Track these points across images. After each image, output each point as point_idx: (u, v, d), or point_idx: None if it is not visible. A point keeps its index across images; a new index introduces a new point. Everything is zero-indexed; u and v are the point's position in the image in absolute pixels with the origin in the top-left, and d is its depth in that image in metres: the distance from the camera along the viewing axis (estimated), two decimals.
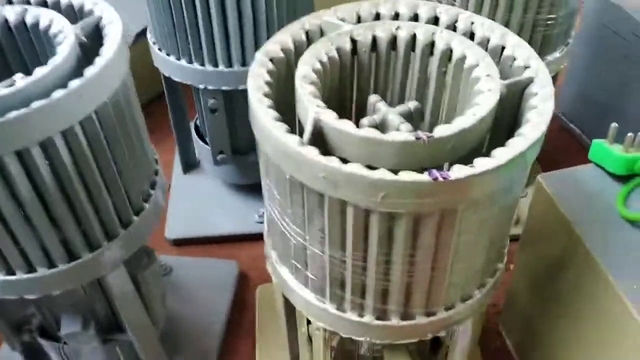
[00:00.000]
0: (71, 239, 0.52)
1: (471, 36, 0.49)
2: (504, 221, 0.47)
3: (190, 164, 1.01)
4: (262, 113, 0.42)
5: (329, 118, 0.41)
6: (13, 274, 0.53)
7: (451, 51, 0.47)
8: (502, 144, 0.42)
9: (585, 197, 0.60)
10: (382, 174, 0.38)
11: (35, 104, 0.43)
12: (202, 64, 0.77)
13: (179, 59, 0.78)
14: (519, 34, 0.58)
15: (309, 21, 0.51)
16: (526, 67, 0.46)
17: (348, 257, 0.45)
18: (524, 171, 0.43)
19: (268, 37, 0.49)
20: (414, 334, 0.50)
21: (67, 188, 0.49)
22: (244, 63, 0.76)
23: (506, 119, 0.47)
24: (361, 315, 0.49)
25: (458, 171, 0.38)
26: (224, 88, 0.77)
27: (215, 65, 0.76)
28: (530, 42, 0.60)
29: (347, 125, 0.41)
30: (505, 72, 0.47)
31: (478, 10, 0.74)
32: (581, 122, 1.05)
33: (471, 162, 0.40)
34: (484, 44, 0.48)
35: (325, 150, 0.42)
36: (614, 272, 0.54)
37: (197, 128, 0.93)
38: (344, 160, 0.40)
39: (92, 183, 0.51)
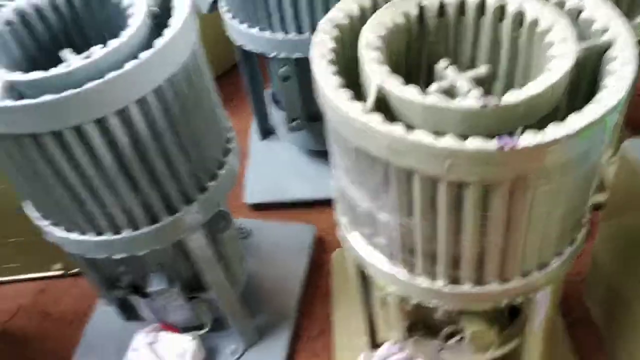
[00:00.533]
0: (152, 203, 0.55)
1: None
2: (581, 190, 0.45)
3: (267, 131, 1.03)
4: (325, 80, 0.42)
5: (393, 84, 0.41)
6: (101, 234, 0.56)
7: (523, 15, 0.45)
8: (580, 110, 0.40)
9: None
10: (447, 141, 0.37)
11: (110, 75, 0.45)
12: (273, 32, 0.77)
13: (250, 27, 0.79)
14: None
15: None
16: (605, 30, 0.43)
17: (417, 225, 0.44)
18: (601, 139, 0.41)
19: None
20: (487, 300, 0.50)
21: (145, 154, 0.52)
22: (315, 30, 0.75)
23: (584, 83, 0.44)
24: (432, 281, 0.49)
25: (527, 138, 0.37)
26: (294, 56, 0.78)
27: (286, 32, 0.76)
28: (617, 3, 0.56)
29: (410, 91, 0.40)
30: (583, 35, 0.44)
31: None
32: None
33: (544, 129, 0.38)
34: (561, 4, 0.46)
35: (391, 117, 0.42)
36: None
37: (273, 95, 0.94)
38: (410, 127, 0.39)
39: (168, 149, 0.53)
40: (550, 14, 0.44)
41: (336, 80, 0.43)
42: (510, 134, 0.40)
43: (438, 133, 0.39)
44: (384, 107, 0.42)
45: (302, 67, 0.82)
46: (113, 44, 0.48)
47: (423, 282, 0.49)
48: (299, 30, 0.76)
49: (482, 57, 0.50)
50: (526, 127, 0.40)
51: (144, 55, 0.47)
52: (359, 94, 0.43)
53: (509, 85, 0.50)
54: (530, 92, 0.39)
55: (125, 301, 0.74)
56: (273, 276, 0.82)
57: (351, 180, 0.47)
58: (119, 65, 0.46)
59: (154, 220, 0.57)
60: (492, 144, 0.36)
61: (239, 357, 0.74)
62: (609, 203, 0.65)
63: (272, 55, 0.79)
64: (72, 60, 0.47)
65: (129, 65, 0.46)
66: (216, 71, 1.08)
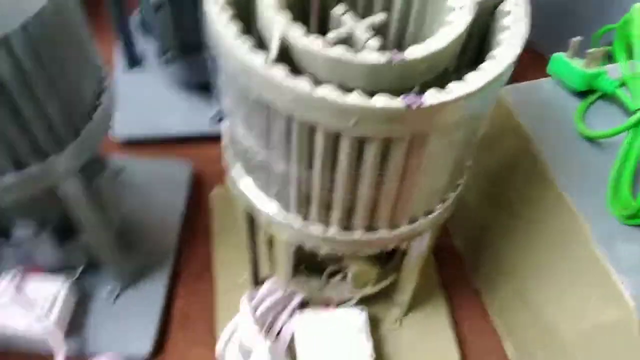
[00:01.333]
0: (17, 148, 0.49)
1: None
2: (470, 141, 0.47)
3: (134, 61, 0.95)
4: (221, 26, 0.40)
5: (297, 34, 0.39)
6: None
7: None
8: (470, 64, 0.41)
9: (543, 110, 0.61)
10: (354, 99, 0.36)
11: None
12: None
13: None
14: None
15: None
16: None
17: (315, 177, 0.44)
18: (495, 94, 0.43)
19: None
20: (377, 245, 0.52)
21: (9, 96, 0.45)
22: None
23: (475, 38, 0.45)
24: (326, 228, 0.49)
25: (432, 97, 0.37)
26: None
27: None
28: None
29: (316, 43, 0.39)
30: None
31: None
32: (541, 35, 1.04)
33: (440, 85, 0.39)
34: None
35: (293, 68, 0.40)
36: (562, 181, 0.56)
37: (142, 22, 0.87)
38: (314, 79, 0.38)
39: (36, 91, 0.47)
40: None
41: (234, 26, 0.40)
42: (411, 90, 0.40)
43: (342, 86, 0.38)
44: (286, 57, 0.40)
45: None
46: None
47: (317, 229, 0.49)
48: None
49: (377, 4, 0.49)
50: (423, 84, 0.41)
51: None
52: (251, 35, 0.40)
53: (401, 35, 0.50)
54: (434, 47, 0.39)
55: None
56: (149, 215, 0.79)
57: (247, 129, 0.45)
58: None
59: (19, 166, 0.51)
60: (400, 102, 0.36)
61: (115, 299, 0.70)
62: (481, 141, 0.69)
63: None
64: None
65: None
66: None
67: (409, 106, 0.36)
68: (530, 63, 0.63)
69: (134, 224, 0.78)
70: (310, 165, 0.43)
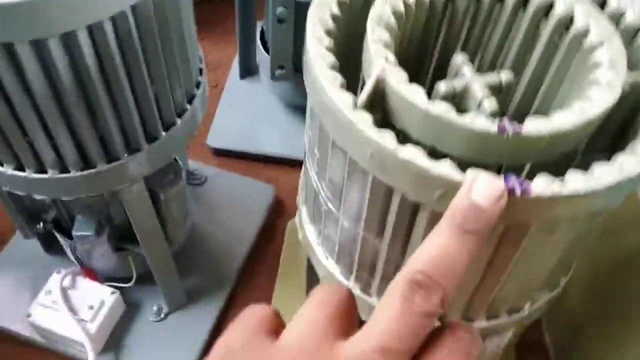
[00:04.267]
0: (87, 146, 0.47)
1: (602, 4, 0.38)
2: (584, 241, 0.38)
3: (249, 70, 0.93)
4: (315, 53, 0.34)
5: (396, 79, 0.33)
6: (22, 170, 0.48)
7: (571, 20, 0.37)
8: (605, 149, 0.33)
9: None
10: (445, 169, 0.30)
11: None
12: None
13: None
14: None
15: None
16: None
17: (384, 246, 0.37)
18: (627, 192, 0.34)
19: None
20: None
21: (87, 89, 0.43)
22: None
23: (617, 119, 0.37)
24: None
25: (542, 186, 0.29)
26: None
27: None
28: None
29: (415, 93, 0.32)
30: (636, 60, 0.37)
31: None
32: None
33: (557, 169, 0.31)
34: (617, 17, 0.38)
35: (383, 118, 0.34)
36: None
37: (262, 33, 0.84)
38: (403, 134, 0.32)
39: (116, 88, 0.44)
40: (604, 26, 0.36)
41: (328, 55, 0.35)
42: (518, 170, 0.33)
43: (434, 149, 0.32)
44: (378, 104, 0.34)
45: (303, 13, 0.72)
46: None
47: (376, 301, 0.43)
48: None
49: (507, 61, 0.42)
50: (535, 165, 0.33)
51: None
52: (352, 84, 0.35)
53: (525, 105, 0.43)
54: (561, 125, 0.31)
55: (48, 236, 0.66)
56: (219, 235, 0.75)
57: (320, 173, 0.40)
58: None
59: (87, 165, 0.48)
60: (499, 184, 0.29)
61: (162, 320, 0.67)
62: None
63: None
64: None
65: None
66: None
67: (510, 192, 0.29)
68: None
69: (201, 242, 0.74)
70: (380, 233, 0.37)
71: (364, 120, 0.31)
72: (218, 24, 1.00)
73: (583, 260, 0.63)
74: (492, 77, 0.38)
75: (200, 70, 0.55)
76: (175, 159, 0.60)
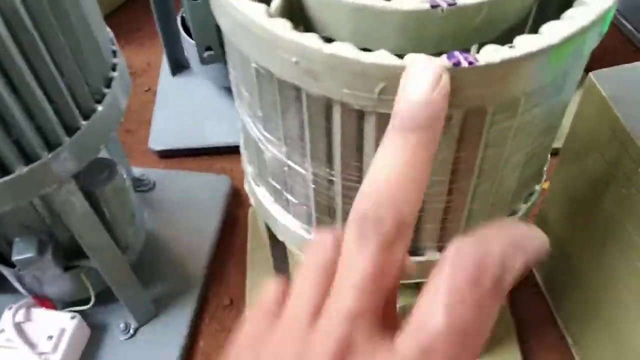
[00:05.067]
0: None
1: None
2: (548, 129, 0.35)
3: (179, 65, 0.88)
4: None
5: None
6: None
7: None
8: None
9: None
10: (380, 56, 0.26)
11: None
12: None
13: None
14: None
15: None
16: None
17: (337, 176, 0.34)
18: (581, 60, 0.31)
19: None
20: (423, 272, 0.40)
21: None
22: None
23: None
24: None
25: (490, 54, 0.26)
26: None
27: None
28: None
29: None
30: None
31: None
32: (637, 17, 0.90)
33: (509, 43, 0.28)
34: None
35: (304, 27, 0.30)
36: None
37: (183, 21, 0.80)
38: (328, 40, 0.28)
39: (16, 77, 0.40)
40: None
41: None
42: (463, 51, 0.29)
43: (366, 51, 0.28)
44: (295, 10, 0.30)
45: None
46: None
47: None
48: None
49: None
50: (482, 45, 0.30)
51: None
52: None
53: None
54: None
55: None
56: (179, 237, 0.70)
57: (254, 116, 0.36)
58: None
59: (4, 170, 0.43)
60: (444, 61, 0.26)
61: (132, 336, 0.62)
62: (567, 146, 0.56)
63: None
64: None
65: None
66: None
67: (456, 64, 0.25)
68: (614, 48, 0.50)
69: (161, 246, 0.69)
70: (329, 161, 0.33)
71: (281, 25, 0.27)
72: (138, 28, 0.96)
73: (556, 188, 0.60)
74: None
75: (114, 53, 0.50)
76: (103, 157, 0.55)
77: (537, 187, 0.41)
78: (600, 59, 0.61)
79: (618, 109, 0.45)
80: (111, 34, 0.51)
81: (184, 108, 0.85)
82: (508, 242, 0.20)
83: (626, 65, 0.49)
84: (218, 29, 0.71)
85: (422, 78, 0.23)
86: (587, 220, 0.55)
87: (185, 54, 0.85)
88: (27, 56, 0.40)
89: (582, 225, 0.57)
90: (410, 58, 0.26)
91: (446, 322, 0.19)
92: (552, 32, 0.27)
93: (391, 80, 0.26)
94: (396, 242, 0.21)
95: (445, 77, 0.24)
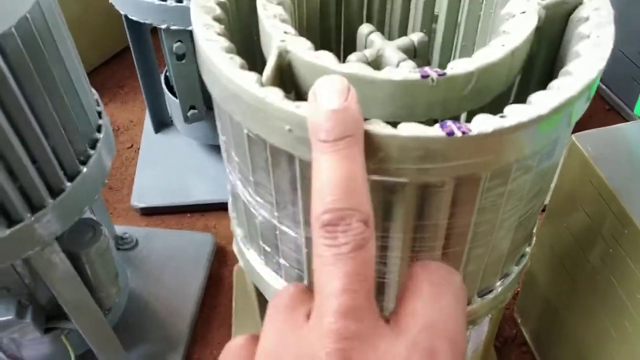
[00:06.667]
0: None
1: None
2: (539, 193, 0.35)
3: (162, 123, 0.89)
4: (206, 42, 0.31)
5: (300, 48, 0.30)
6: None
7: None
8: (537, 89, 0.30)
9: (628, 160, 0.48)
10: (373, 126, 0.26)
11: None
12: None
13: None
14: None
15: None
16: None
17: None
18: (570, 127, 0.32)
19: None
20: None
21: None
22: None
23: (542, 54, 0.35)
24: None
25: (482, 123, 0.26)
26: (190, 28, 0.65)
27: None
28: None
29: (324, 58, 0.29)
30: None
31: None
32: (610, 79, 0.92)
33: (499, 112, 0.28)
34: None
35: (295, 94, 0.31)
36: None
37: (167, 80, 0.81)
38: None
39: (0, 140, 0.39)
40: None
41: (222, 40, 0.31)
42: (453, 119, 0.29)
43: None
44: (287, 79, 0.30)
45: None
46: None
47: None
48: None
49: (415, 23, 0.40)
50: (471, 113, 0.30)
51: None
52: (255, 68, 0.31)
53: (444, 62, 0.41)
54: (485, 59, 0.29)
55: None
56: (162, 296, 0.69)
57: (245, 180, 0.35)
58: None
59: None
60: (437, 131, 0.26)
61: None
62: (552, 204, 0.56)
63: (163, 26, 0.66)
64: None
65: None
66: (106, 53, 0.93)
67: (450, 134, 0.26)
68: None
69: (144, 306, 0.68)
70: None
71: (274, 93, 0.28)
72: (121, 85, 0.96)
73: (544, 245, 0.61)
74: (404, 41, 0.35)
75: (99, 114, 0.50)
76: (87, 217, 0.54)
77: (528, 249, 0.41)
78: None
79: (601, 170, 0.46)
80: (96, 95, 0.51)
81: (167, 165, 0.84)
82: None
83: (606, 127, 0.50)
84: (202, 89, 0.72)
85: (333, 89, 0.25)
86: (574, 278, 0.56)
87: (169, 111, 0.86)
88: (11, 117, 0.40)
89: (569, 282, 0.57)
90: (404, 129, 0.26)
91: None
92: (542, 102, 0.27)
93: (385, 149, 0.26)
94: (366, 239, 0.22)
95: (352, 88, 0.25)
